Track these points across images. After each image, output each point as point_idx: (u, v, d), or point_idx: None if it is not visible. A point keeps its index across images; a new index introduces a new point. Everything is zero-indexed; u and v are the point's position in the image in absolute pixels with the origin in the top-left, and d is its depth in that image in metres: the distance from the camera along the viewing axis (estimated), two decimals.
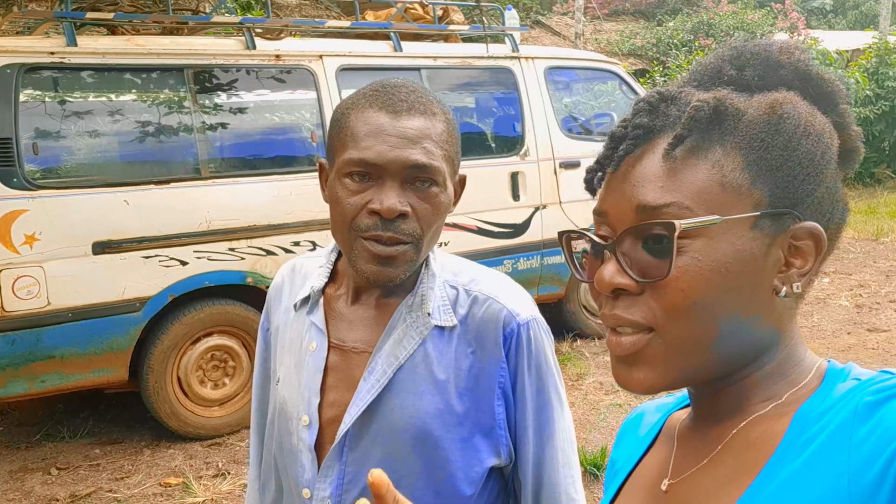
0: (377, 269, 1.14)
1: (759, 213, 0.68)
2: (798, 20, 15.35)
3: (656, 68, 12.63)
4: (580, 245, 0.77)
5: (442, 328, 1.20)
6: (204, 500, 3.76)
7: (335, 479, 1.18)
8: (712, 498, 0.70)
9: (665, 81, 11.75)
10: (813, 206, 0.70)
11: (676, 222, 0.66)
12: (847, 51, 15.30)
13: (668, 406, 0.89)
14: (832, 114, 0.73)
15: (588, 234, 0.75)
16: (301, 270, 1.34)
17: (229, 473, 4.01)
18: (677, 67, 12.12)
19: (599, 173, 0.77)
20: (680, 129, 0.70)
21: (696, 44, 13.75)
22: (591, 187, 0.78)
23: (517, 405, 1.22)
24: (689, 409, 0.83)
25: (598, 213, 0.75)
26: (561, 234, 0.78)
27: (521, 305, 1.24)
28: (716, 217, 0.67)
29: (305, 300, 1.27)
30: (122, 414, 4.85)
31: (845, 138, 0.74)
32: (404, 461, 1.18)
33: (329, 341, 1.23)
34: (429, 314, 1.20)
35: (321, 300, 1.26)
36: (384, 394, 1.18)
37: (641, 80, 9.75)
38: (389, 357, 1.19)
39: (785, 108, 0.70)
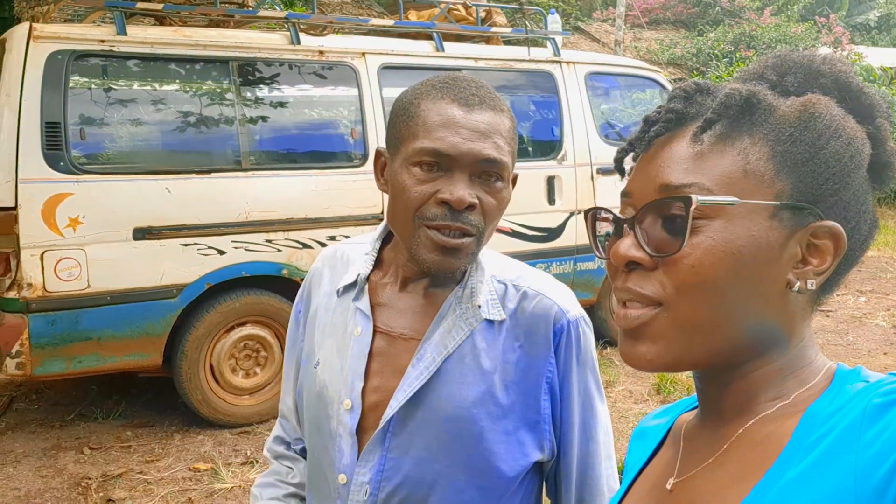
0: (440, 259, 1.15)
1: (779, 203, 0.69)
2: (842, 35, 15.13)
3: (696, 78, 12.54)
4: (604, 228, 0.79)
5: (491, 321, 1.21)
6: (232, 487, 3.81)
7: (376, 465, 1.19)
8: (717, 497, 0.70)
9: None
10: (837, 207, 0.70)
11: (693, 197, 0.68)
12: (891, 68, 15.05)
13: (676, 408, 0.89)
14: (868, 125, 0.74)
15: (611, 211, 0.77)
16: (343, 257, 1.35)
17: (258, 462, 4.05)
18: (717, 78, 12.01)
19: (630, 154, 0.79)
20: (710, 114, 0.72)
21: (737, 55, 13.60)
22: (620, 167, 0.81)
23: (563, 401, 1.23)
24: (697, 411, 0.83)
25: (624, 194, 0.77)
26: (586, 212, 0.80)
27: (570, 303, 1.26)
28: (734, 199, 0.68)
29: (350, 286, 1.28)
30: (153, 398, 4.93)
31: (879, 152, 0.74)
32: (447, 451, 1.18)
33: (375, 327, 1.24)
34: (479, 306, 1.21)
35: (367, 287, 1.27)
36: (431, 382, 1.18)
37: None
38: (439, 346, 1.19)
39: (817, 107, 0.71)
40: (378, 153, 1.27)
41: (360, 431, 1.21)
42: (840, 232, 0.69)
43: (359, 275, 1.27)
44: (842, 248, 0.69)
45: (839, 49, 14.51)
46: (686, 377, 5.23)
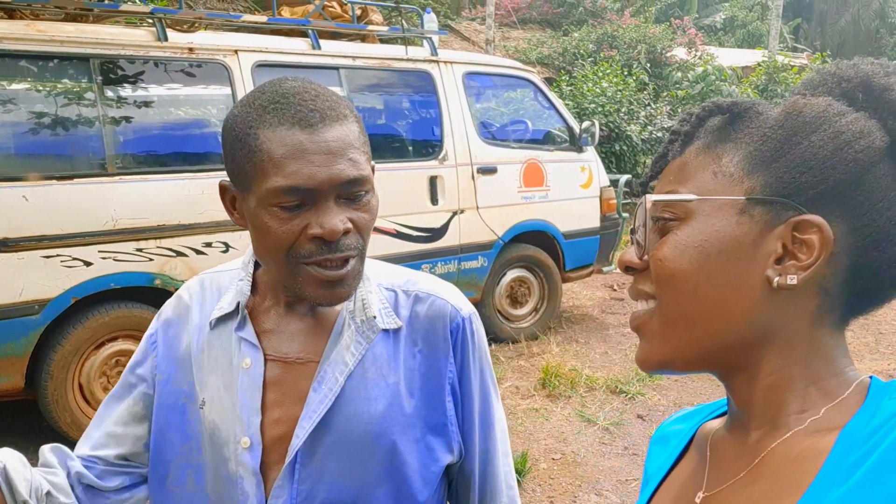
0: (328, 293, 1.09)
1: (745, 198, 0.70)
2: (696, 36, 16.00)
3: (563, 77, 12.90)
4: None
5: (387, 331, 1.18)
6: None
7: (287, 500, 1.12)
8: None
9: (571, 91, 12.01)
10: (835, 200, 0.68)
11: (647, 196, 0.73)
12: (738, 67, 16.09)
13: (698, 414, 0.89)
14: (890, 121, 0.70)
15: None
16: (212, 286, 1.26)
17: None
18: (583, 77, 12.41)
19: (651, 179, 0.81)
20: (688, 127, 0.76)
21: (601, 55, 14.12)
22: (645, 191, 0.82)
23: (464, 399, 1.22)
24: (722, 419, 0.82)
25: None
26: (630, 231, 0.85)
27: (462, 300, 1.25)
28: (691, 196, 0.72)
29: (226, 316, 1.19)
30: (13, 423, 4.55)
31: None
32: (362, 470, 1.14)
33: (265, 356, 1.16)
34: (374, 318, 1.17)
35: (248, 315, 1.19)
36: (336, 403, 1.13)
37: (550, 87, 9.98)
38: (339, 364, 1.14)
39: (797, 106, 0.71)
40: (223, 187, 1.14)
41: (265, 468, 1.13)
42: (822, 223, 0.67)
43: (238, 303, 1.18)
44: (827, 242, 0.67)
45: (693, 49, 15.33)
46: (569, 370, 5.36)
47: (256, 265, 1.23)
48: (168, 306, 1.28)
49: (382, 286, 1.21)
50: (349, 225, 1.07)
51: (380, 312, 1.18)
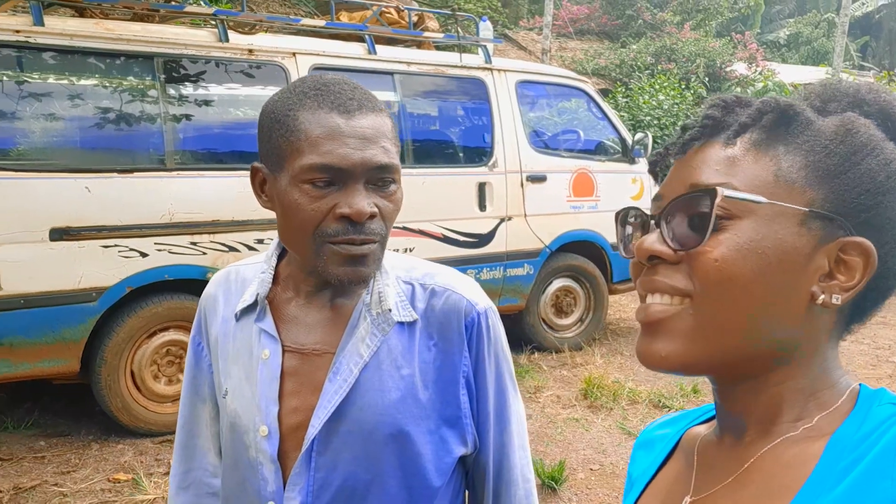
0: (351, 270, 1.13)
1: (808, 209, 0.68)
2: (757, 52, 15.74)
3: (619, 89, 12.81)
4: (630, 229, 0.79)
5: (403, 323, 1.21)
6: (154, 499, 3.67)
7: (305, 487, 1.16)
8: None
9: (627, 103, 11.92)
10: (870, 227, 0.69)
11: (719, 189, 0.67)
12: (801, 84, 15.76)
13: (683, 419, 0.88)
14: None
15: (641, 210, 0.77)
16: (237, 279, 1.30)
17: None
18: (639, 89, 12.32)
19: (665, 158, 0.77)
20: (744, 118, 0.72)
21: (658, 67, 13.98)
22: (654, 170, 0.79)
23: (478, 393, 1.24)
24: (708, 425, 0.82)
25: (656, 198, 0.75)
26: (618, 213, 0.80)
27: (478, 295, 1.26)
28: (761, 198, 0.67)
29: (249, 308, 1.24)
30: (68, 406, 4.71)
31: None
32: (376, 460, 1.17)
33: (283, 346, 1.20)
34: (389, 310, 1.19)
35: (268, 306, 1.23)
36: (351, 393, 1.16)
37: (605, 99, 9.91)
38: (354, 356, 1.17)
39: (855, 124, 0.70)
40: (255, 169, 1.19)
41: (282, 456, 1.18)
42: (871, 249, 0.67)
43: (258, 294, 1.22)
44: (871, 267, 0.67)
45: (754, 65, 15.08)
46: (611, 382, 5.33)
47: (279, 258, 1.27)
48: (200, 303, 1.34)
49: (401, 279, 1.24)
50: (375, 209, 1.11)
51: (396, 305, 1.20)
